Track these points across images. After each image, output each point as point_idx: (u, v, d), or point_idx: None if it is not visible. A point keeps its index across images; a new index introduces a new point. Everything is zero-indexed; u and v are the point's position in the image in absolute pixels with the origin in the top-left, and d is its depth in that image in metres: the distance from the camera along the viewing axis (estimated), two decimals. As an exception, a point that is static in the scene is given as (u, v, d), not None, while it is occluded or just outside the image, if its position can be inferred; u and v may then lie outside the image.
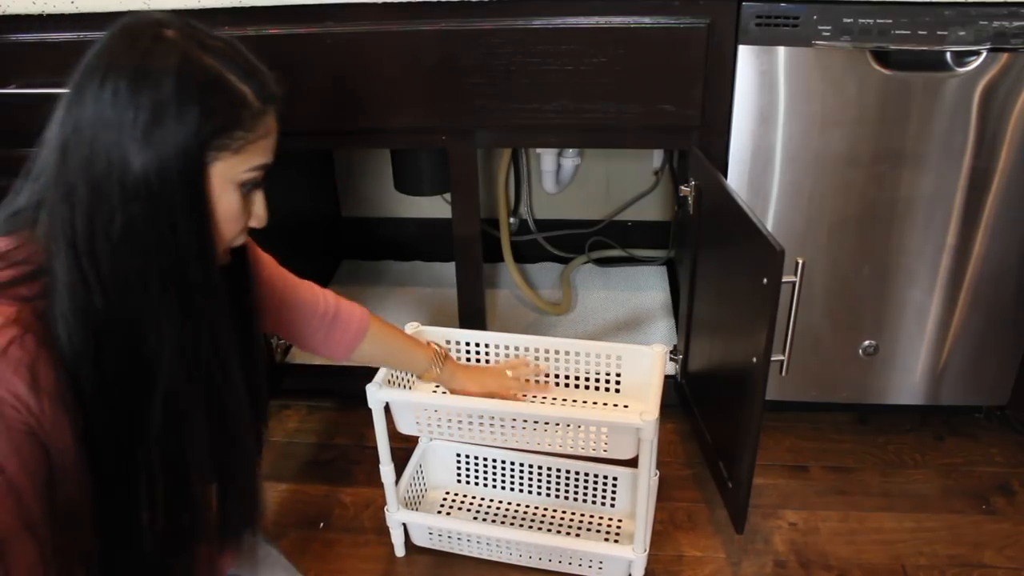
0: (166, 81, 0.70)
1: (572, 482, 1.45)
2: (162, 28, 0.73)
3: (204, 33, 0.75)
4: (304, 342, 1.15)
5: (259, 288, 1.01)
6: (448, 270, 2.07)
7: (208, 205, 0.76)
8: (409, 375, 1.34)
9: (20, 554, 0.71)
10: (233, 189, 0.77)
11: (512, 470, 1.48)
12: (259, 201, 0.82)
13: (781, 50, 1.29)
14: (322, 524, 1.47)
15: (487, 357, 1.39)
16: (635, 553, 1.27)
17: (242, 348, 0.85)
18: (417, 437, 1.48)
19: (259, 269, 1.04)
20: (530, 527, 1.44)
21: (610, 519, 1.44)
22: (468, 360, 1.39)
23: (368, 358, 1.21)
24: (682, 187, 1.44)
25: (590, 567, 1.32)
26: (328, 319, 1.14)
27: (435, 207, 2.11)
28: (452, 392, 1.29)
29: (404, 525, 1.39)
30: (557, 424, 1.19)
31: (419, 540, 1.40)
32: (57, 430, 0.72)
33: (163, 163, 0.70)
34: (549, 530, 1.43)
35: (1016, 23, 1.23)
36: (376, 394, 1.22)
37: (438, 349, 1.28)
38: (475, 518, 1.46)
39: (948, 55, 1.28)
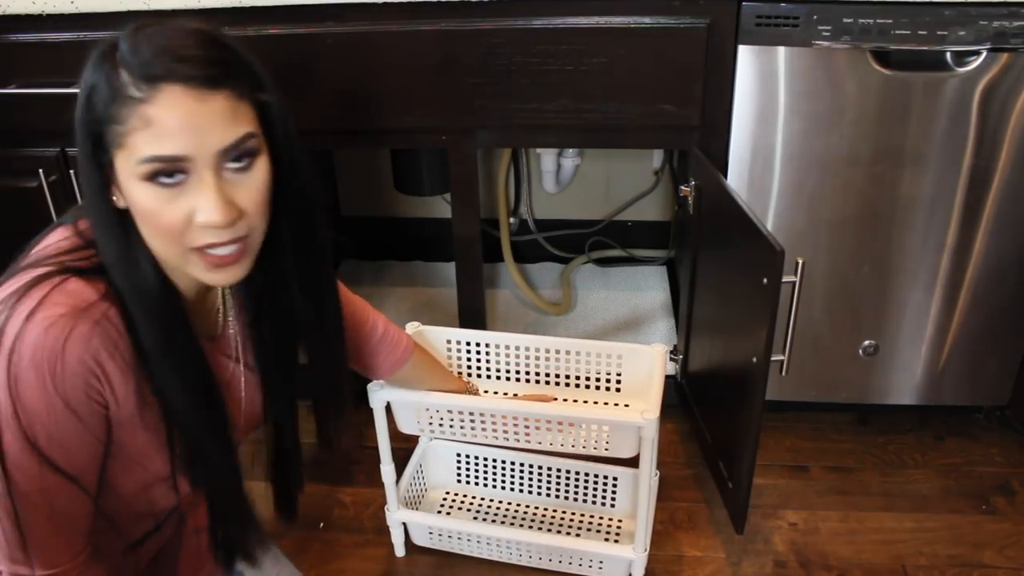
0: (83, 77, 0.72)
1: (572, 482, 1.45)
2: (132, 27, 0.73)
3: (155, 21, 0.72)
4: (350, 355, 1.15)
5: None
6: (448, 270, 2.07)
7: (110, 203, 0.75)
8: None
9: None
10: (136, 183, 0.72)
11: (512, 470, 1.48)
12: (201, 195, 0.73)
13: (781, 50, 1.29)
14: (322, 524, 1.47)
15: (487, 357, 1.39)
16: (635, 553, 1.27)
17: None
18: (418, 437, 1.48)
19: None
20: (530, 527, 1.44)
21: (610, 519, 1.44)
22: (469, 360, 1.39)
23: (403, 380, 1.22)
24: (682, 187, 1.44)
25: (590, 567, 1.32)
26: (376, 337, 1.15)
27: (435, 207, 2.11)
28: None
29: (404, 525, 1.39)
30: (559, 423, 1.19)
31: (419, 540, 1.40)
32: (129, 402, 0.77)
33: (81, 163, 0.74)
34: (549, 530, 1.43)
35: (1016, 23, 1.23)
36: (378, 393, 1.22)
37: (469, 384, 1.30)
38: (475, 518, 1.46)
39: (948, 55, 1.28)
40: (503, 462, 1.48)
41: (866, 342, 1.52)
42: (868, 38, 1.26)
